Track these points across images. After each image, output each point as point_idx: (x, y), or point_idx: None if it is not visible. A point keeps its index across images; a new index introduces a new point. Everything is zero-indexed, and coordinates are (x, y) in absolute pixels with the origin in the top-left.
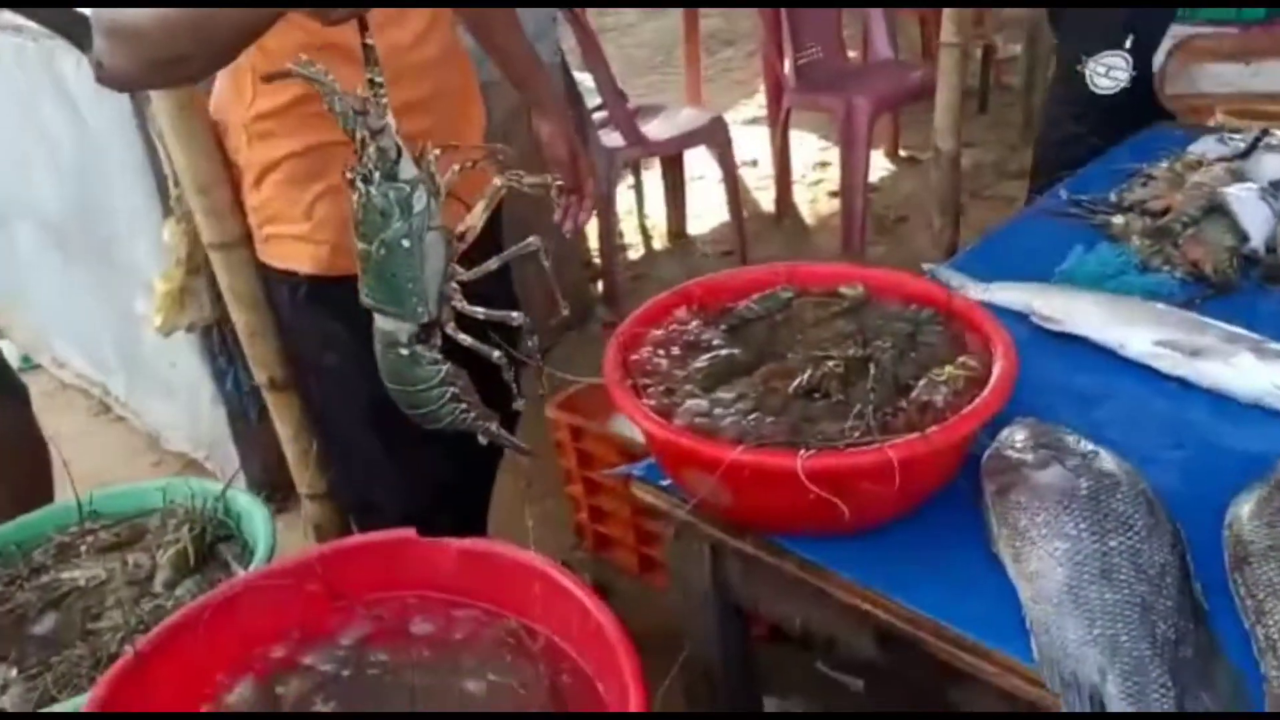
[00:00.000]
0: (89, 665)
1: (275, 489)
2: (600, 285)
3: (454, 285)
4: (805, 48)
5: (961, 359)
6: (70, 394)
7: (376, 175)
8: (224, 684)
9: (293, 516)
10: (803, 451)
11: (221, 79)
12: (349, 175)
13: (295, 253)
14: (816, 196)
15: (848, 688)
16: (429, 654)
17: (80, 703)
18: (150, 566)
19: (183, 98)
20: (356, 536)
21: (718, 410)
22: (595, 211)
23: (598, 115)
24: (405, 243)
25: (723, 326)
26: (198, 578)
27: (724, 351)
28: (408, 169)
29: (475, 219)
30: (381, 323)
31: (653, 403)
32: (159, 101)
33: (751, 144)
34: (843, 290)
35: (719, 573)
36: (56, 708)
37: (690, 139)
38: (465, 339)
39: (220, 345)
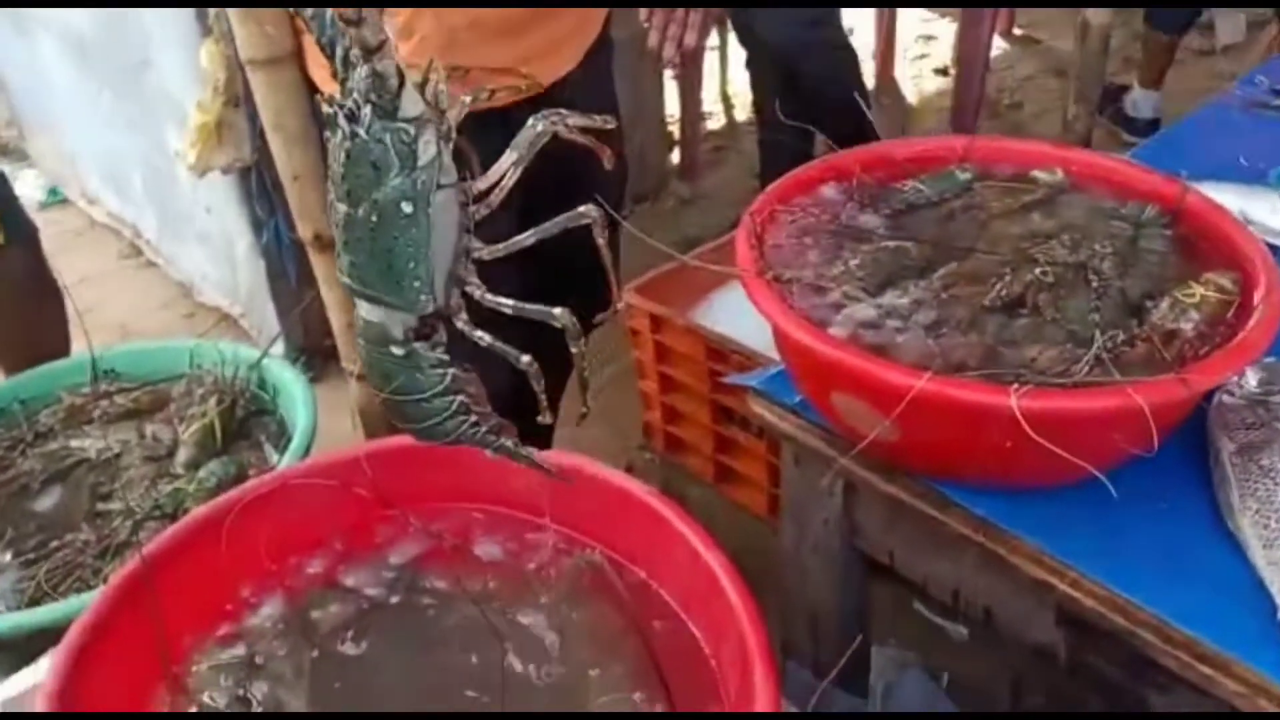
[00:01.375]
0: (94, 554)
1: (314, 354)
2: (676, 155)
3: (469, 264)
4: None
5: (1207, 276)
6: (100, 233)
7: (368, 111)
8: (248, 600)
9: (328, 388)
10: (1015, 386)
11: None
12: (327, 109)
13: None
14: (920, 73)
15: (950, 636)
16: (494, 583)
17: (78, 605)
18: (171, 441)
19: None
20: None
21: (890, 321)
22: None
23: None
24: (406, 206)
25: (885, 211)
26: (224, 459)
27: (891, 244)
28: (412, 103)
29: (502, 173)
30: (367, 312)
31: (802, 304)
32: None
33: (847, 12)
34: (1037, 175)
35: (851, 515)
36: (52, 606)
37: None
38: (483, 337)
39: (259, 190)
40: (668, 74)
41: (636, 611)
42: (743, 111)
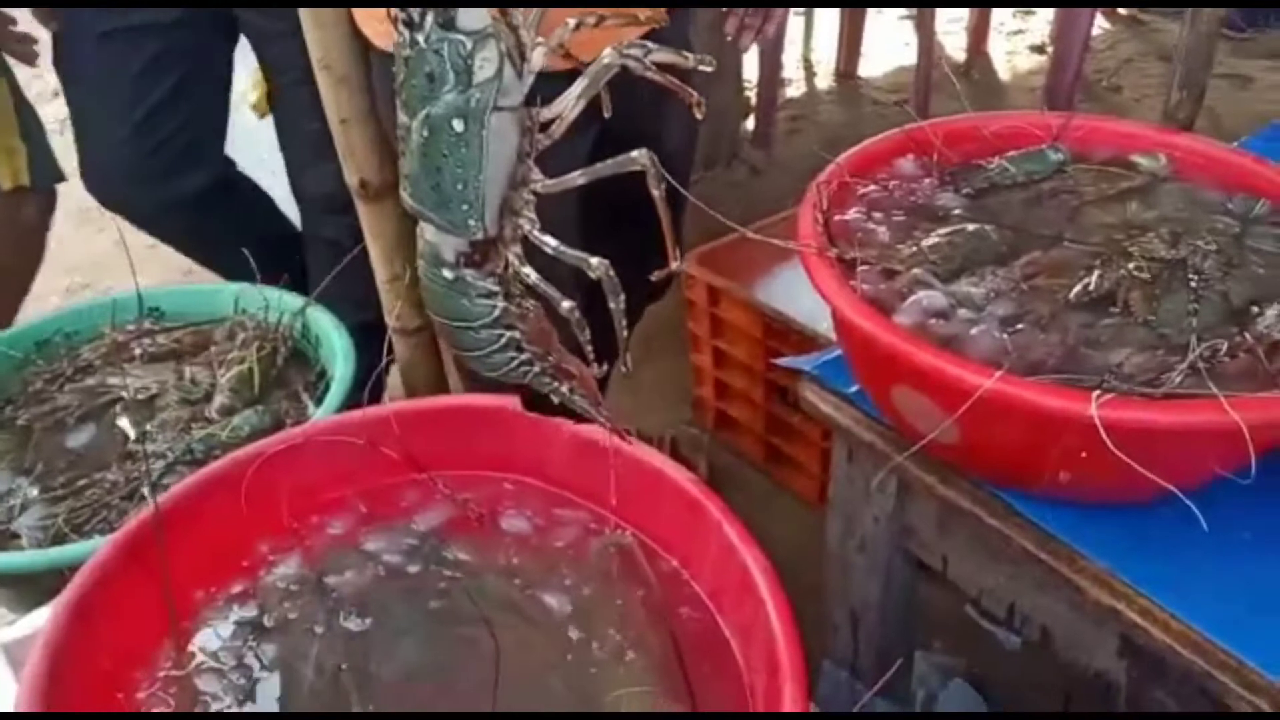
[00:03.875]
0: (121, 495)
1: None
2: (751, 122)
3: (527, 196)
4: None
5: None
6: None
7: (429, 19)
8: (265, 557)
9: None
10: (1097, 393)
11: None
12: (392, 13)
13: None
14: (1015, 49)
15: (1002, 644)
16: (518, 559)
17: (94, 546)
18: (209, 384)
19: None
20: (449, 396)
21: (962, 312)
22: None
23: None
24: (457, 124)
25: (966, 190)
26: (259, 409)
27: (970, 226)
28: (473, 16)
29: (566, 105)
30: (425, 230)
31: (867, 287)
32: None
33: None
34: (1137, 160)
35: (903, 516)
36: (71, 545)
37: None
38: (529, 274)
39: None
40: None
41: (665, 601)
42: (824, 79)
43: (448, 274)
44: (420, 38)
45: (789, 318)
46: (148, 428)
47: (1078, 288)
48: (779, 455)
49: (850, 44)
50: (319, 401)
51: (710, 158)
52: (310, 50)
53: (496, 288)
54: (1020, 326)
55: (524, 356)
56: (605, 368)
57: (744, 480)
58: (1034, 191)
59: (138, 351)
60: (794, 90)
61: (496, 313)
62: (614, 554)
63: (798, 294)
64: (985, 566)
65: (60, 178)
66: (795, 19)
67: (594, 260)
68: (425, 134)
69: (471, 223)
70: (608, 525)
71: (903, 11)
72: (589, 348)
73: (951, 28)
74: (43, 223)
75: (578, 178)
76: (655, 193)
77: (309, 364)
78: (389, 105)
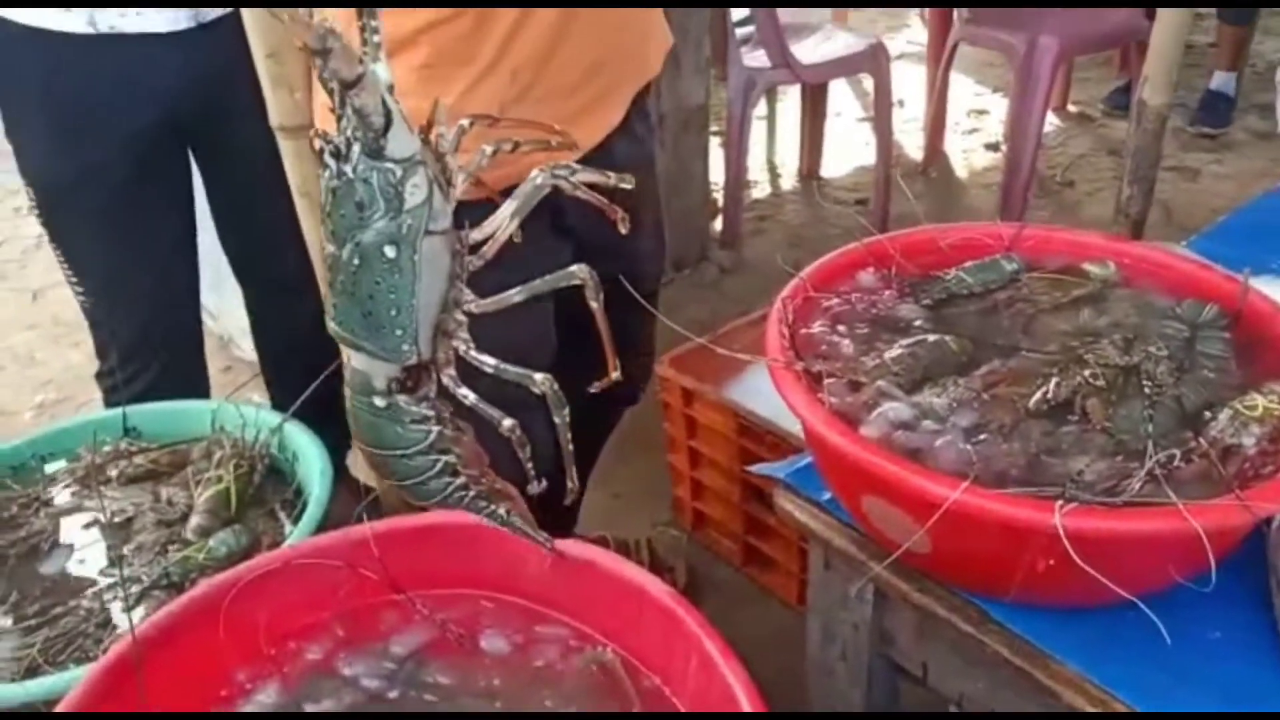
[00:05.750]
0: (97, 622)
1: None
2: (719, 223)
3: (460, 316)
4: None
5: (1270, 386)
6: None
7: (355, 149)
8: (243, 685)
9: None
10: (1060, 503)
11: None
12: (317, 144)
13: None
14: (970, 148)
15: None
16: (499, 680)
17: (69, 680)
18: (185, 505)
19: None
20: (427, 514)
21: (926, 423)
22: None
23: (741, 30)
24: (389, 250)
25: (925, 301)
26: (237, 528)
27: (930, 337)
28: (402, 142)
29: (499, 225)
30: (353, 359)
31: (834, 399)
32: None
33: (896, 83)
34: (1088, 268)
35: (881, 622)
36: (45, 679)
37: (845, 65)
38: (467, 395)
39: None
40: (714, 141)
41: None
42: (788, 180)
43: (379, 401)
44: (348, 168)
45: (762, 418)
46: (124, 551)
47: (1036, 396)
48: (757, 555)
49: (812, 145)
50: (296, 519)
51: (680, 259)
52: (290, 179)
53: (430, 412)
54: (984, 436)
55: (460, 480)
56: (574, 484)
57: (722, 580)
58: (990, 301)
59: (114, 473)
60: (759, 191)
61: (431, 437)
62: (595, 671)
63: (769, 394)
64: (963, 672)
65: None
66: (758, 123)
67: (538, 376)
68: (356, 262)
69: (405, 348)
70: (588, 642)
71: (861, 113)
72: (529, 465)
73: (908, 128)
74: None
75: (515, 295)
76: (594, 304)
77: (286, 481)
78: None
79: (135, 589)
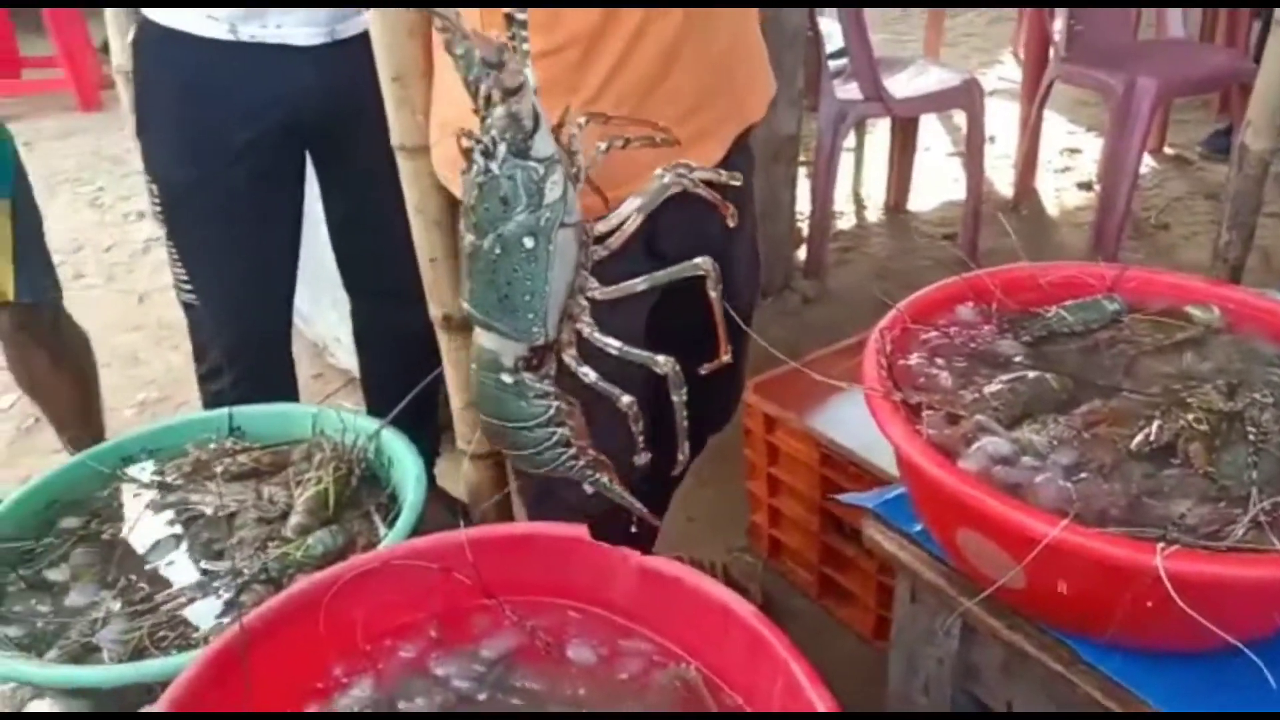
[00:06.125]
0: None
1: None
2: (803, 252)
3: (583, 302)
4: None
5: None
6: None
7: (503, 149)
8: (339, 680)
9: (447, 460)
10: (1161, 545)
11: None
12: (465, 143)
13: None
14: (1063, 186)
15: None
16: (584, 690)
17: (174, 664)
18: (285, 504)
19: None
20: (520, 524)
21: (1026, 459)
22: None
23: (834, 63)
24: (528, 241)
25: (1025, 338)
26: (334, 528)
27: (1031, 374)
28: (544, 144)
29: (623, 219)
30: (483, 339)
31: (932, 432)
32: None
33: (988, 119)
34: (1191, 311)
35: (967, 657)
36: (152, 662)
37: (938, 100)
38: (588, 373)
39: None
40: (801, 171)
41: None
42: (874, 213)
43: (506, 378)
44: (494, 165)
45: (846, 448)
46: (227, 543)
47: (1139, 437)
48: (834, 587)
49: (900, 178)
50: (389, 523)
51: (764, 286)
52: (407, 196)
53: (550, 389)
54: (1083, 475)
55: (571, 451)
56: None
57: (797, 610)
58: (1091, 340)
59: (219, 470)
60: (844, 223)
61: (550, 411)
62: (679, 687)
63: (853, 424)
64: (1050, 712)
65: (48, 294)
66: (846, 154)
67: (660, 358)
68: (498, 251)
69: (535, 329)
70: (672, 659)
71: (951, 148)
72: (640, 438)
73: (999, 164)
74: (14, 334)
75: (638, 284)
76: (713, 294)
77: (381, 485)
78: None
79: (237, 581)
